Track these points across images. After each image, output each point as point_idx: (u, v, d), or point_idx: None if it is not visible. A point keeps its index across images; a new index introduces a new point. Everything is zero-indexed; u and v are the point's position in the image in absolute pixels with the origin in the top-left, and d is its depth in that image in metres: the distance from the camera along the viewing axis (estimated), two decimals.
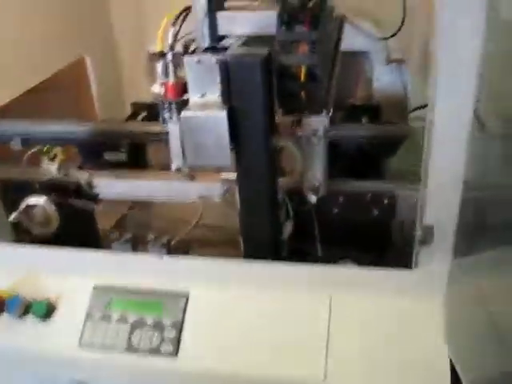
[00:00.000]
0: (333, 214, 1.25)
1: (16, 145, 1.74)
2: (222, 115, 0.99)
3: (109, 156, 1.78)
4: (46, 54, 1.86)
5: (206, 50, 1.08)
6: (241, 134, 1.02)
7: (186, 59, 1.01)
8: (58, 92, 2.41)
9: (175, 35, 1.15)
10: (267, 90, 0.99)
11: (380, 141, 1.52)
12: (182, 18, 1.17)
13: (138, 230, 1.45)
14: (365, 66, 2.27)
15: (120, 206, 1.47)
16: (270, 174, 1.08)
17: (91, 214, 1.42)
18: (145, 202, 1.44)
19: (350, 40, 1.86)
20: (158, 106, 1.17)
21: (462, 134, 0.87)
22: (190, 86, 1.04)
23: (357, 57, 2.23)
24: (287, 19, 1.01)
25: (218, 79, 1.00)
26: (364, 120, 1.97)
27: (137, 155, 1.79)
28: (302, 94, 1.05)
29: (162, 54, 1.23)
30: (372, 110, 2.02)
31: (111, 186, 1.38)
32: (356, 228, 1.24)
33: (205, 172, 1.26)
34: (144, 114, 2.05)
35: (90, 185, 1.38)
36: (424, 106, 2.12)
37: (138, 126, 1.75)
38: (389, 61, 2.07)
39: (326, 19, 1.01)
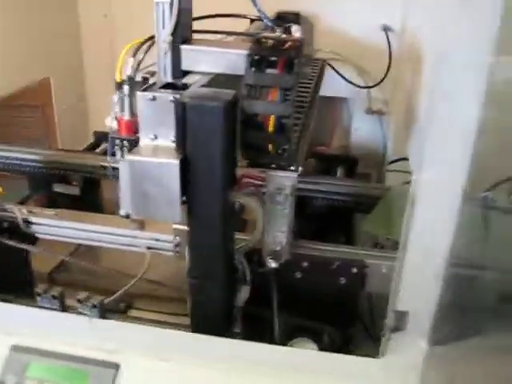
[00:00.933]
0: (295, 280, 1.11)
1: None
2: (174, 164, 0.85)
3: (59, 188, 1.64)
4: (14, 70, 1.73)
5: (164, 86, 0.95)
6: (194, 187, 0.88)
7: (139, 94, 0.88)
8: (23, 109, 2.29)
9: (136, 66, 1.03)
10: (229, 140, 0.86)
11: (355, 199, 1.41)
12: (145, 47, 1.05)
13: (77, 279, 1.29)
14: (343, 113, 2.17)
15: (61, 249, 1.30)
16: (226, 233, 0.95)
17: (26, 257, 1.25)
18: (89, 246, 1.27)
19: (330, 85, 1.76)
20: (109, 140, 1.04)
21: (451, 211, 0.75)
22: (141, 126, 0.91)
23: (335, 103, 2.13)
24: (258, 60, 0.89)
25: (173, 122, 0.86)
26: (339, 172, 1.86)
27: (91, 190, 1.65)
28: (269, 146, 0.92)
29: (120, 86, 1.11)
30: (348, 162, 1.92)
31: (52, 227, 1.22)
32: (320, 297, 1.11)
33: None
34: (105, 144, 1.92)
35: (27, 222, 1.22)
36: (401, 159, 2.04)
37: (94, 159, 1.61)
38: (369, 111, 1.97)
39: (302, 64, 0.89)
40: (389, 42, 1.82)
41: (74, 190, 1.60)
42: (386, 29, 1.86)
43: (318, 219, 1.44)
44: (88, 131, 2.20)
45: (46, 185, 1.62)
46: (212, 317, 1.02)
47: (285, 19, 1.67)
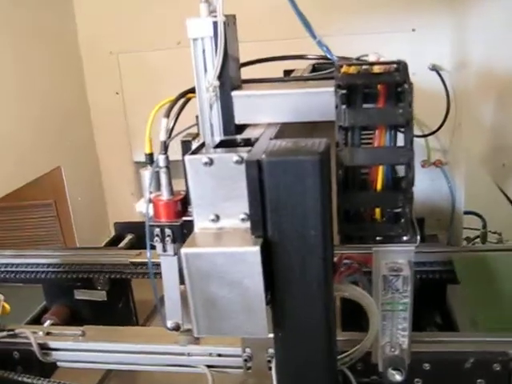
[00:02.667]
0: None
1: None
2: (253, 252, 0.57)
3: (82, 295, 1.36)
4: (18, 161, 1.51)
5: (218, 145, 0.69)
6: (283, 281, 0.61)
7: (189, 159, 0.62)
8: (33, 210, 2.06)
9: (170, 130, 0.78)
10: (327, 207, 0.59)
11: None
12: (178, 106, 0.81)
13: None
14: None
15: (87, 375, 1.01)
16: (331, 341, 0.65)
17: None
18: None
19: None
20: (147, 229, 0.78)
21: None
22: (195, 204, 0.64)
23: None
24: (350, 94, 0.63)
25: (244, 191, 0.60)
26: None
27: (120, 293, 1.37)
28: (376, 211, 0.65)
29: (151, 159, 0.86)
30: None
31: (77, 351, 0.94)
32: None
33: None
34: (130, 237, 1.65)
35: (45, 349, 0.94)
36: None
37: (121, 255, 1.34)
38: (427, 163, 1.71)
39: (412, 90, 0.63)
40: (444, 82, 1.58)
41: (100, 296, 1.32)
42: (436, 68, 1.61)
43: None
44: (107, 223, 1.95)
45: (65, 292, 1.34)
46: None
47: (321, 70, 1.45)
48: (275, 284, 0.60)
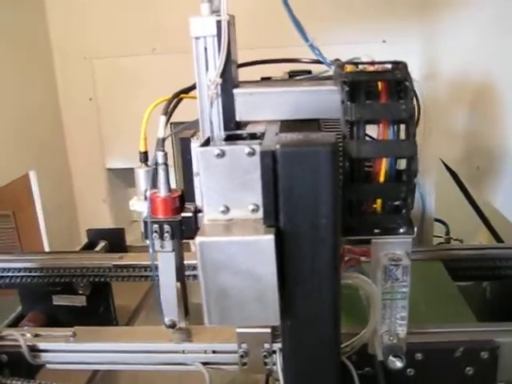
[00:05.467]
0: (407, 379, 0.84)
1: None
2: (268, 240, 0.59)
3: (61, 300, 1.34)
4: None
5: (225, 140, 0.71)
6: (293, 269, 0.62)
7: (200, 151, 0.63)
8: None
9: (167, 126, 0.80)
10: (337, 198, 0.61)
11: None
12: (173, 104, 0.83)
13: None
14: None
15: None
16: (335, 329, 0.67)
17: None
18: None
19: None
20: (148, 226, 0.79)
21: None
22: (206, 195, 0.65)
23: None
24: (353, 90, 0.66)
25: (254, 182, 0.61)
26: None
27: (99, 298, 1.35)
28: (378, 201, 0.68)
29: (145, 157, 0.87)
30: None
31: (69, 352, 0.92)
32: None
33: None
34: (103, 243, 1.63)
35: (33, 350, 0.92)
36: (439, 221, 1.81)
37: (102, 258, 1.32)
38: None
39: (412, 87, 0.67)
40: (415, 92, 1.63)
41: (80, 301, 1.31)
42: None
43: None
44: (78, 231, 1.92)
45: (43, 298, 1.32)
46: None
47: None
48: (285, 273, 0.62)
